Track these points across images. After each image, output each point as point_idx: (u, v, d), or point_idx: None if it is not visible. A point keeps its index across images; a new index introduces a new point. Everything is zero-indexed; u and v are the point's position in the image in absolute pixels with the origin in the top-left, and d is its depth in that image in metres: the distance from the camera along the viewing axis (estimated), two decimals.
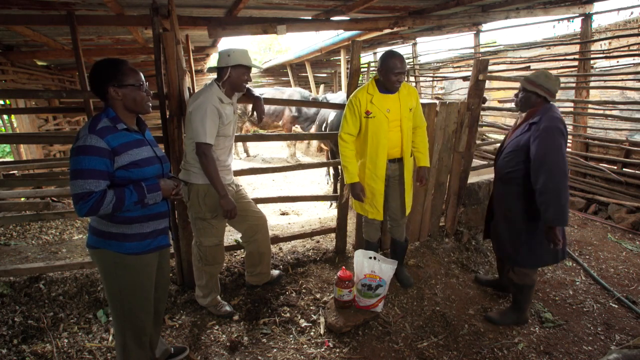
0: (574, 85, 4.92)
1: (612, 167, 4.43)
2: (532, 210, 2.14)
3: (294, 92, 7.49)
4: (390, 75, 2.23)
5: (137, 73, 1.50)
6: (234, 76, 2.12)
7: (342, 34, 6.39)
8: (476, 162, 3.62)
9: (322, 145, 7.31)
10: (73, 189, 1.39)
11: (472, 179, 3.46)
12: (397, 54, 2.26)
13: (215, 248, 2.33)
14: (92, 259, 1.61)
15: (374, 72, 9.93)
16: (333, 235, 3.28)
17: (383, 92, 2.33)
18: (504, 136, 2.52)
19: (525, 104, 2.21)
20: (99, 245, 1.54)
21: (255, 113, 2.44)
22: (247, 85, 2.26)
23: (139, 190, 1.49)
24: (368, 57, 10.24)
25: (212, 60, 8.25)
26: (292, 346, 2.20)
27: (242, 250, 3.11)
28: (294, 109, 7.33)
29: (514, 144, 2.21)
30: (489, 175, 3.65)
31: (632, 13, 5.38)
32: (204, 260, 2.32)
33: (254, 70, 2.33)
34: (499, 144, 3.24)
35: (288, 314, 2.46)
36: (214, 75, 2.23)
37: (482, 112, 3.56)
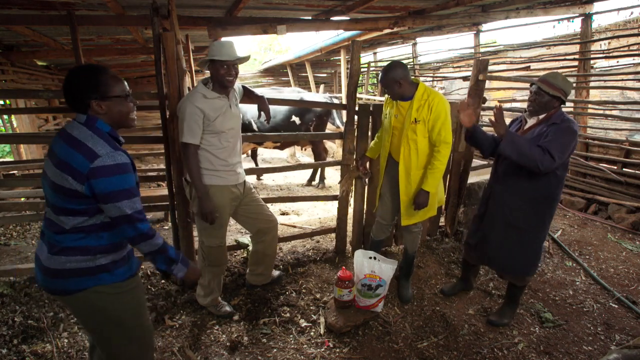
0: (574, 85, 4.92)
1: (612, 167, 4.42)
2: (541, 214, 2.14)
3: (292, 91, 7.49)
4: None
5: (121, 82, 1.30)
6: (212, 72, 2.03)
7: (342, 34, 6.38)
8: (476, 162, 3.62)
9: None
10: (121, 210, 1.22)
11: (472, 179, 3.46)
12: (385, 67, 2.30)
13: (217, 249, 2.32)
14: (78, 306, 1.32)
15: (374, 72, 9.93)
16: (333, 235, 3.28)
17: (394, 99, 2.38)
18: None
19: (545, 107, 2.06)
20: (87, 285, 1.27)
21: (262, 114, 2.42)
22: (235, 83, 2.16)
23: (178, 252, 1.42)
24: (368, 57, 10.23)
25: None
26: (292, 346, 2.20)
27: (243, 250, 3.12)
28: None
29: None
30: (488, 175, 3.64)
31: (632, 13, 5.38)
32: (207, 260, 2.33)
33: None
34: None
35: (288, 314, 2.46)
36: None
37: (482, 112, 3.56)
